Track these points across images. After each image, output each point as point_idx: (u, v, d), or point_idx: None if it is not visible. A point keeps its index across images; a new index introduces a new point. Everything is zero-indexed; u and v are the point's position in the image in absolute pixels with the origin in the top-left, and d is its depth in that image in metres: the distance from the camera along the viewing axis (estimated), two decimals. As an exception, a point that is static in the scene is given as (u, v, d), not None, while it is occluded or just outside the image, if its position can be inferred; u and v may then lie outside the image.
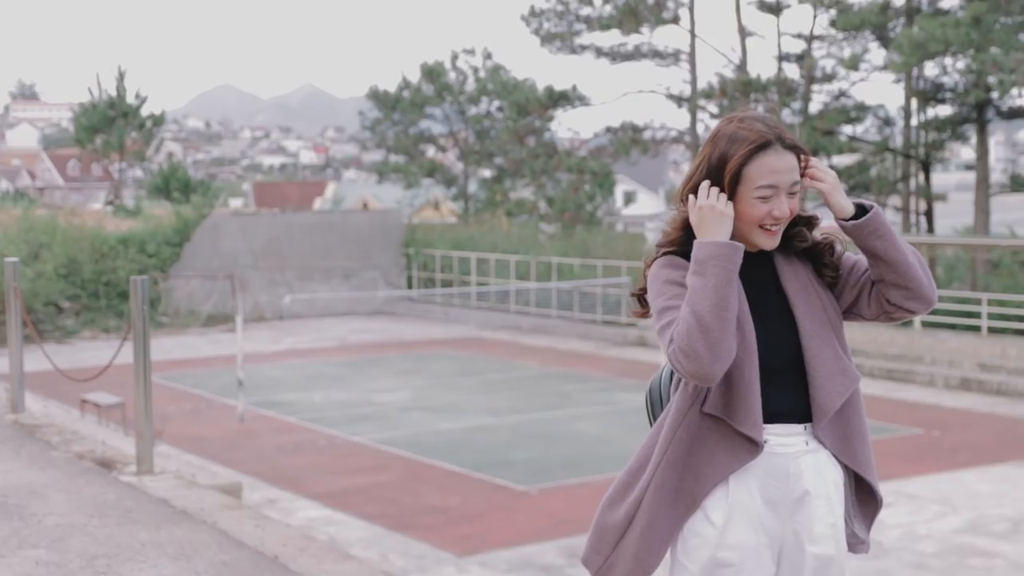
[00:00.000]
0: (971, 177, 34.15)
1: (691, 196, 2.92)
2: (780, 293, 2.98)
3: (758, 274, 2.95)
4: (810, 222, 2.99)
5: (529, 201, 38.86)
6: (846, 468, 2.98)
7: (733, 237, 2.88)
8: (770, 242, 2.93)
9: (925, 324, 21.34)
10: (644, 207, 66.24)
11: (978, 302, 21.28)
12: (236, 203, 68.66)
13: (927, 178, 30.52)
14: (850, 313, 3.03)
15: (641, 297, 3.05)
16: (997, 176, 34.36)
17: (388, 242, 33.52)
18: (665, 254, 2.98)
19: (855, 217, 2.93)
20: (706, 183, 2.90)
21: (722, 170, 2.88)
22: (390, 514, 11.78)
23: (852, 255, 3.05)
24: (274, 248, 31.74)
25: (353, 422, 16.60)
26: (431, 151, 47.41)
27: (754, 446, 2.86)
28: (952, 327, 21.31)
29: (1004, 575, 9.74)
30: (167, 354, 22.92)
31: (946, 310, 21.33)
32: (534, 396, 18.76)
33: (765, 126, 2.90)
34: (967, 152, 35.31)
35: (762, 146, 2.87)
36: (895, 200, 31.41)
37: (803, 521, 2.91)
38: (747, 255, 2.90)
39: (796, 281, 2.98)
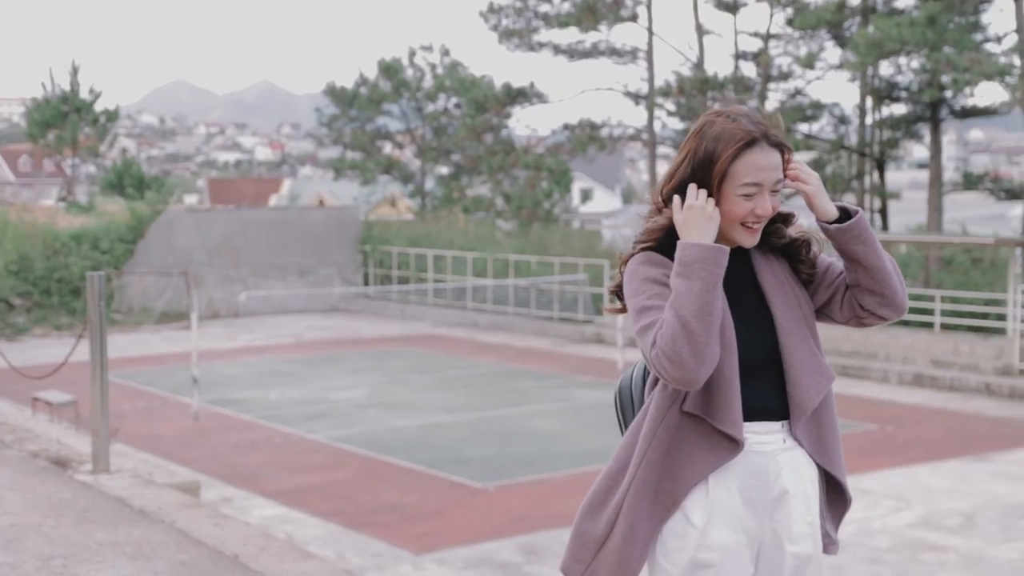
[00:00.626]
0: (924, 175, 34.48)
1: (676, 197, 2.88)
2: (757, 290, 2.96)
3: (735, 270, 2.91)
4: (787, 219, 2.97)
5: (486, 198, 38.85)
6: (818, 467, 2.97)
7: (718, 237, 2.85)
8: (751, 240, 2.91)
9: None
10: (601, 204, 66.35)
11: (931, 299, 21.48)
12: (191, 199, 68.14)
13: (881, 176, 30.76)
14: (821, 314, 3.02)
15: (618, 293, 3.01)
16: (950, 174, 34.68)
17: (344, 239, 33.40)
18: (643, 250, 2.94)
19: (839, 220, 2.91)
20: (693, 186, 2.86)
21: (709, 167, 2.85)
22: (346, 512, 11.73)
23: (826, 257, 3.03)
24: (229, 245, 31.54)
25: (309, 420, 16.52)
26: (388, 148, 47.27)
27: (734, 444, 2.83)
28: (905, 324, 21.49)
29: (956, 569, 9.82)
30: (121, 351, 22.73)
31: (900, 307, 21.47)
32: (491, 393, 18.75)
33: (751, 122, 2.86)
34: (920, 150, 35.66)
35: (749, 143, 2.84)
36: (850, 198, 31.62)
37: (782, 520, 2.89)
38: None
39: (773, 278, 2.96)
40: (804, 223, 3.05)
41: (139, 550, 5.38)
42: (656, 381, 2.91)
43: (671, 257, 2.83)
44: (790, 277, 2.98)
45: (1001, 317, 20.60)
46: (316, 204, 52.65)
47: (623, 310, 3.01)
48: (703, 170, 2.86)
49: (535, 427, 15.98)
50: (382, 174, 45.85)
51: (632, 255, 2.96)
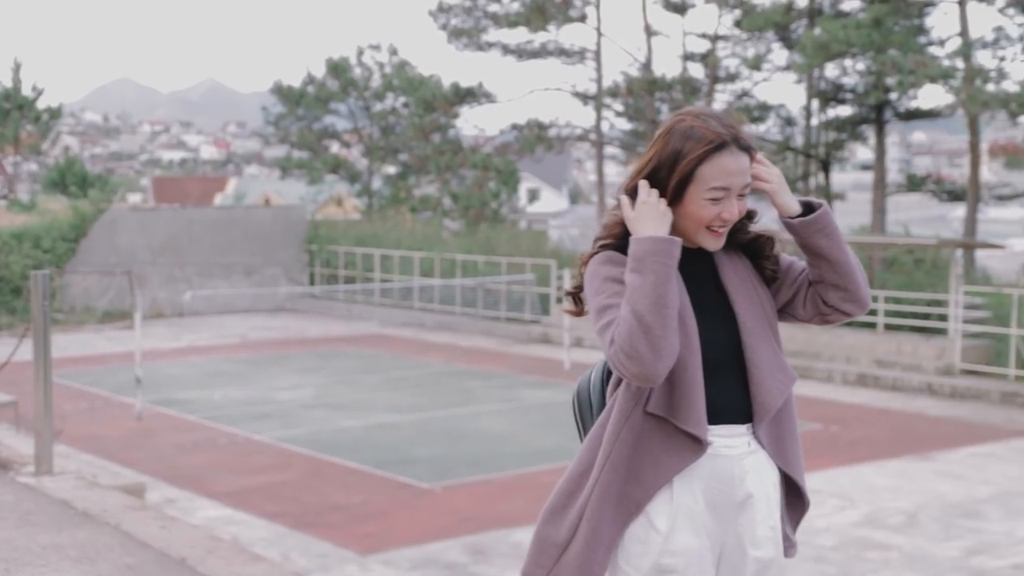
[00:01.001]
0: (868, 177, 34.82)
1: (624, 196, 2.84)
2: (719, 288, 2.92)
3: (697, 268, 2.89)
4: (750, 215, 2.94)
5: (434, 198, 38.77)
6: (778, 470, 2.94)
7: (678, 236, 2.82)
8: (715, 244, 2.87)
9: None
10: (548, 205, 66.46)
11: (875, 300, 21.67)
12: (135, 198, 67.51)
13: (827, 177, 31.02)
14: (784, 313, 2.99)
15: (576, 296, 2.97)
16: (893, 176, 35.06)
17: (291, 238, 33.21)
18: (603, 248, 2.89)
19: (802, 216, 2.88)
20: (645, 183, 2.83)
21: (673, 168, 2.80)
22: (292, 512, 11.65)
23: (787, 256, 3.01)
24: (174, 244, 31.26)
25: (254, 420, 16.40)
26: (335, 147, 47.04)
27: (698, 445, 2.79)
28: (849, 324, 21.68)
29: (899, 567, 9.91)
30: (62, 351, 22.44)
31: (844, 308, 21.67)
32: (438, 393, 18.70)
33: (721, 125, 2.82)
34: (864, 152, 36.00)
35: (718, 147, 2.79)
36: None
37: (745, 524, 2.86)
38: (686, 250, 2.85)
39: (736, 276, 2.93)
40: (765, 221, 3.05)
41: (84, 553, 5.30)
42: (619, 382, 2.87)
43: None
44: (753, 275, 2.96)
45: (943, 318, 20.83)
46: (262, 203, 52.33)
47: (579, 312, 2.97)
48: (668, 170, 2.81)
49: (482, 427, 15.96)
50: (329, 173, 45.63)
51: (593, 255, 2.91)
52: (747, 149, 2.83)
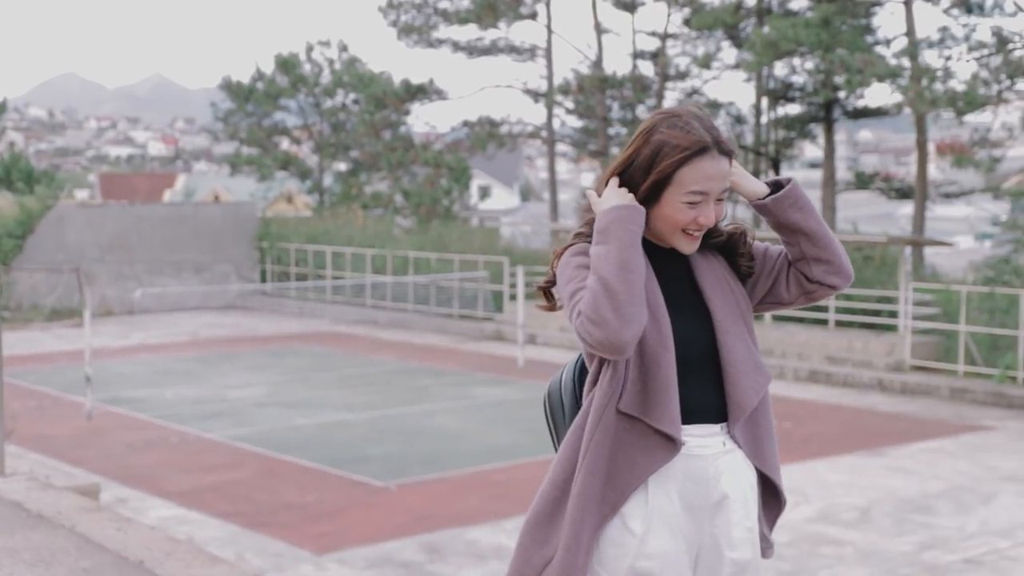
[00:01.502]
0: (816, 175, 35.06)
1: (592, 192, 2.81)
2: (694, 286, 2.88)
3: (671, 267, 2.85)
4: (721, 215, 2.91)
5: (385, 195, 38.65)
6: (756, 469, 2.90)
7: (653, 238, 2.79)
8: (690, 247, 2.84)
9: (775, 318, 21.83)
10: (499, 202, 66.47)
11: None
12: (82, 195, 66.84)
13: (777, 175, 31.20)
14: (766, 302, 2.94)
15: (547, 290, 2.93)
16: (841, 174, 35.34)
17: (241, 235, 32.99)
18: (578, 235, 2.86)
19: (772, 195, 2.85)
20: (615, 181, 2.80)
21: (651, 169, 2.76)
22: (245, 512, 11.56)
23: (760, 244, 2.98)
24: (122, 241, 30.96)
25: (206, 419, 16.27)
26: (285, 143, 46.72)
27: (672, 444, 2.74)
28: (800, 321, 21.84)
29: (853, 563, 9.98)
30: (10, 349, 22.12)
31: (795, 304, 21.83)
32: (391, 391, 18.64)
33: (703, 128, 2.78)
34: (812, 150, 36.28)
35: (699, 151, 2.75)
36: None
37: (721, 526, 2.82)
38: (660, 249, 2.83)
39: (711, 274, 2.89)
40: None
41: (39, 556, 5.21)
42: (595, 381, 2.81)
43: None
44: (728, 273, 2.92)
45: (893, 314, 21.04)
46: (212, 200, 51.90)
47: (551, 307, 2.94)
48: (644, 171, 2.78)
49: (436, 425, 15.91)
50: (279, 170, 45.31)
51: (566, 248, 2.87)
52: (728, 153, 2.81)
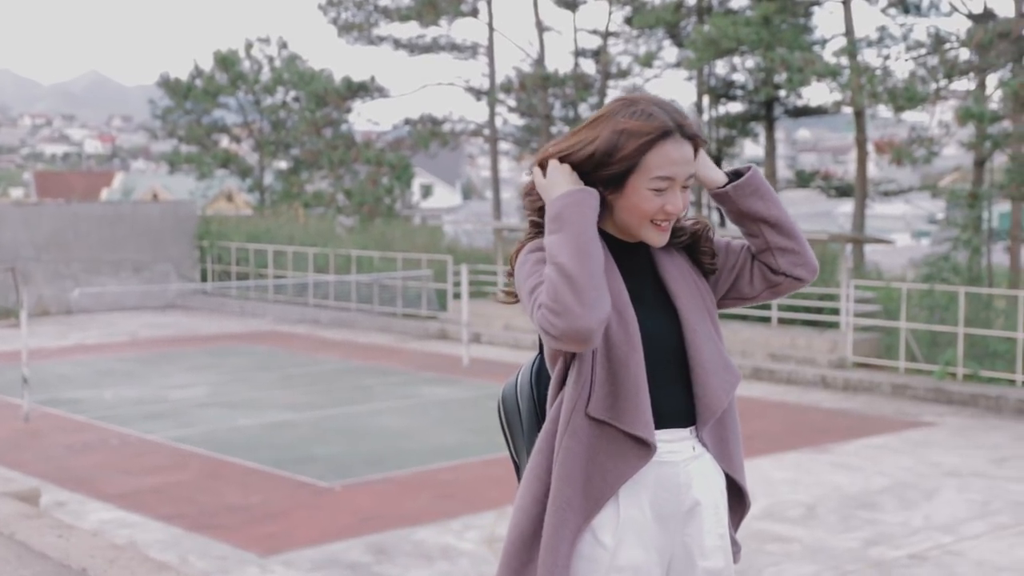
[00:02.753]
0: (758, 173, 35.22)
1: (537, 168, 2.70)
2: (658, 283, 2.78)
3: (634, 263, 2.75)
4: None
5: (327, 193, 38.42)
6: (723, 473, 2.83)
7: (619, 233, 2.70)
8: (660, 239, 2.73)
9: (719, 316, 21.87)
10: (441, 200, 66.38)
11: (768, 294, 21.93)
12: (16, 193, 65.90)
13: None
14: (729, 297, 2.87)
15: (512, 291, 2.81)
16: (782, 172, 35.60)
17: (180, 234, 32.63)
18: (533, 225, 2.76)
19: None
20: (563, 165, 2.68)
21: (612, 156, 2.64)
22: (188, 514, 11.40)
23: (722, 239, 2.90)
24: (59, 240, 30.51)
25: (147, 420, 16.04)
26: (225, 141, 46.29)
27: (646, 449, 2.65)
28: (744, 318, 21.95)
29: (801, 558, 10.01)
30: (-56, 351, 21.77)
31: (738, 302, 21.96)
32: (335, 390, 18.49)
33: (664, 112, 2.68)
34: (752, 148, 36.52)
35: (663, 134, 2.65)
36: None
37: (693, 534, 2.75)
38: (623, 244, 2.73)
39: (675, 270, 2.80)
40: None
41: (-25, 563, 5.08)
42: (560, 384, 2.69)
43: None
44: (692, 269, 2.84)
45: (835, 311, 21.20)
46: (150, 198, 51.35)
47: (517, 299, 2.85)
48: (605, 157, 2.65)
49: (381, 424, 15.80)
50: (219, 168, 44.86)
51: (525, 243, 2.77)
52: (691, 138, 2.72)
